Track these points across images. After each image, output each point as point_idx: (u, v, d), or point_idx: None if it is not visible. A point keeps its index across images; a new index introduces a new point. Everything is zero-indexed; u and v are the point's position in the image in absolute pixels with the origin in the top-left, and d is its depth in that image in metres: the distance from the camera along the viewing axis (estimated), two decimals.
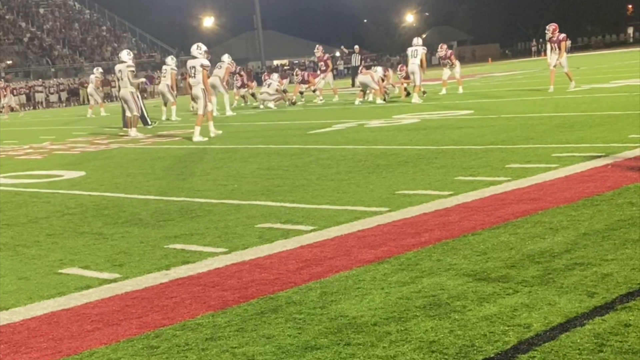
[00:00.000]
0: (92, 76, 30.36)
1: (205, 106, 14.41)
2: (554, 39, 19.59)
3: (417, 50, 20.90)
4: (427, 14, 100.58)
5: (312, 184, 7.95)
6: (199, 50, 14.69)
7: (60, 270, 5.08)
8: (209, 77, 15.76)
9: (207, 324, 3.75)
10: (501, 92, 20.77)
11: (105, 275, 4.85)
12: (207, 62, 14.66)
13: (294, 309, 3.86)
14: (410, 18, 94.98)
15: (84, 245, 5.82)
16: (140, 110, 17.39)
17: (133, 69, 16.93)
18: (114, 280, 4.70)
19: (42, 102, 52.93)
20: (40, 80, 55.53)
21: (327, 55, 26.87)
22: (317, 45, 27.66)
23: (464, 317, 3.50)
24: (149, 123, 20.10)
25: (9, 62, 59.54)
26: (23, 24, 66.81)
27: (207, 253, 5.21)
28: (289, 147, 11.81)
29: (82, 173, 10.73)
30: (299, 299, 4.01)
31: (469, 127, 12.39)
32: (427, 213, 5.91)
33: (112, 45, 67.66)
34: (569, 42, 21.27)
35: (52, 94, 54.37)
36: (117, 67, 17.06)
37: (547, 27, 20.01)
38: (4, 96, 38.72)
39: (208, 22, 79.58)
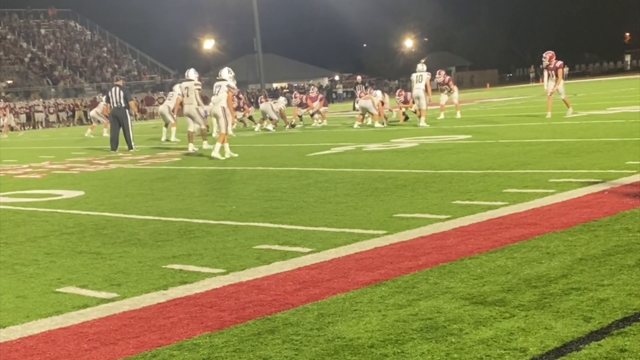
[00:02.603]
0: (100, 104, 30.47)
1: (227, 125, 14.94)
2: (551, 66, 19.60)
3: (422, 76, 20.95)
4: (426, 39, 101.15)
5: (310, 206, 7.97)
6: (230, 74, 15.44)
7: (58, 289, 5.09)
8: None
9: (204, 344, 3.76)
10: (499, 117, 20.86)
11: (103, 294, 4.86)
12: (233, 84, 15.36)
13: (291, 330, 3.87)
14: (409, 43, 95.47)
15: (82, 265, 5.83)
16: (204, 123, 17.72)
17: (200, 86, 17.58)
18: (112, 300, 4.71)
19: (42, 122, 53.04)
20: (41, 100, 55.69)
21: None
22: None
23: (461, 341, 3.52)
24: (132, 147, 19.98)
25: (9, 81, 59.70)
26: (24, 44, 67.11)
27: (205, 273, 5.22)
28: (287, 170, 11.85)
29: (81, 193, 10.75)
30: (296, 320, 4.02)
31: (467, 152, 12.44)
32: (425, 236, 5.93)
33: (113, 66, 67.90)
34: (566, 69, 21.28)
35: (51, 113, 54.51)
36: (184, 84, 17.70)
37: (544, 54, 20.07)
38: (4, 115, 38.82)
39: (208, 44, 79.93)
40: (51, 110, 54.64)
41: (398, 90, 24.27)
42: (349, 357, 3.43)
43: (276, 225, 6.93)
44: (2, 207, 9.77)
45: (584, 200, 6.97)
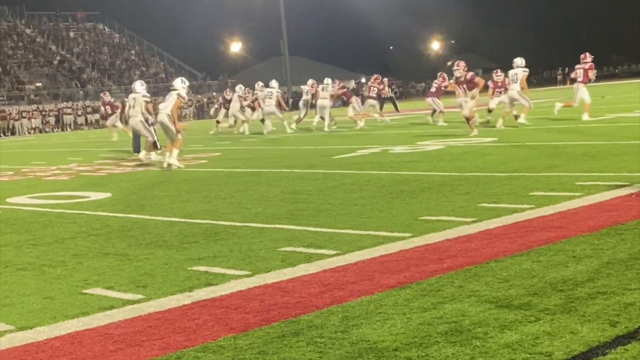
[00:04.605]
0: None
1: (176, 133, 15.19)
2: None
3: (517, 74, 19.43)
4: (452, 41, 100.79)
5: (336, 208, 7.97)
6: (183, 84, 15.52)
7: (84, 291, 5.13)
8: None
9: (228, 346, 3.77)
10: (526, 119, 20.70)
11: (129, 296, 4.89)
12: (184, 94, 15.47)
13: (316, 332, 3.87)
14: (435, 45, 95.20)
15: (108, 266, 5.88)
16: (153, 136, 17.22)
17: (148, 99, 17.13)
18: (138, 301, 4.74)
19: (70, 124, 53.56)
20: (70, 102, 56.22)
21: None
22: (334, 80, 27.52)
23: (486, 344, 3.50)
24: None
25: (38, 84, 60.29)
26: (53, 47, 67.73)
27: (230, 275, 5.24)
28: (313, 172, 11.86)
29: (108, 194, 10.83)
30: (320, 322, 4.02)
31: (493, 155, 12.38)
32: (450, 239, 5.91)
33: (140, 69, 68.38)
34: (594, 72, 20.56)
35: (79, 116, 55.02)
36: (132, 95, 17.11)
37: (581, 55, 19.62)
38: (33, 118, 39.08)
39: (235, 47, 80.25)
40: (79, 113, 55.16)
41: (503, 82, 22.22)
42: None
43: (301, 228, 6.93)
44: (30, 208, 9.87)
45: (611, 204, 6.91)
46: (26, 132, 51.06)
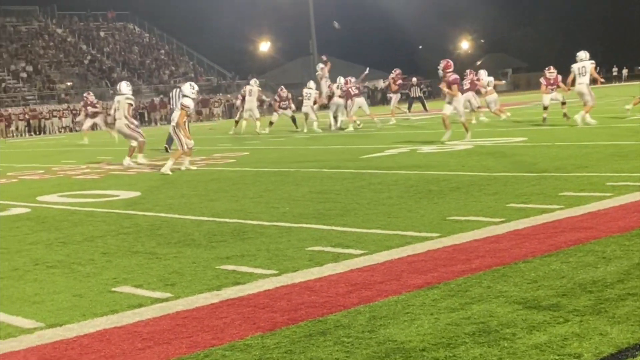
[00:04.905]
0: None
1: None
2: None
3: (585, 67, 18.60)
4: (482, 40, 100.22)
5: (363, 208, 7.96)
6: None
7: (113, 289, 5.17)
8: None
9: (256, 345, 3.78)
10: (555, 119, 20.55)
11: (158, 294, 4.92)
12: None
13: (343, 332, 3.87)
14: (465, 45, 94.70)
15: (137, 265, 5.92)
16: (138, 139, 16.66)
17: (131, 101, 16.76)
18: (166, 300, 4.77)
19: (99, 125, 53.94)
20: (100, 101, 56.65)
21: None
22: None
23: (514, 345, 3.48)
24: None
25: (69, 83, 60.87)
26: (84, 47, 68.35)
27: (258, 274, 5.25)
28: (341, 171, 11.85)
29: (138, 193, 10.91)
30: (347, 322, 4.02)
31: (523, 154, 12.29)
32: (478, 239, 5.88)
33: (170, 68, 68.79)
34: (625, 70, 20.06)
35: (109, 115, 55.43)
36: (117, 97, 16.81)
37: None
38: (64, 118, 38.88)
39: (264, 46, 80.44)
40: (109, 112, 55.60)
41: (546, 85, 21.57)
42: None
43: (329, 227, 6.94)
44: (60, 207, 9.97)
45: None
46: (57, 131, 51.55)
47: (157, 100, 57.65)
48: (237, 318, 4.25)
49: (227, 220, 7.83)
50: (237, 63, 78.79)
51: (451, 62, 16.50)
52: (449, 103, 16.48)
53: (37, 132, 50.79)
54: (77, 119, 29.37)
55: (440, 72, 16.52)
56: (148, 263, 5.95)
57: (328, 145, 18.64)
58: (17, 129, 52.17)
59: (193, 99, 14.63)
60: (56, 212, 9.51)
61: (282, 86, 28.32)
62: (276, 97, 28.26)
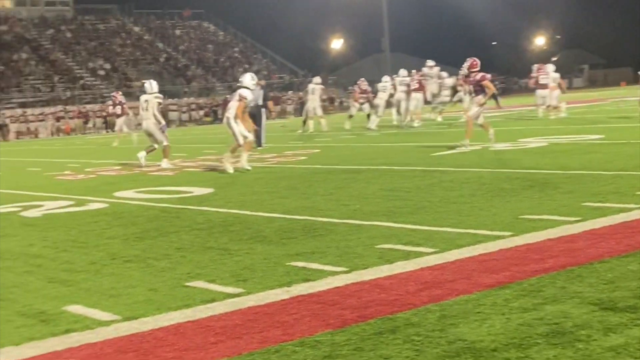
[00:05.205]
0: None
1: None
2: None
3: None
4: (558, 36, 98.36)
5: (434, 206, 7.91)
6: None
7: (187, 283, 5.26)
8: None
9: (325, 341, 3.80)
10: (634, 117, 20.04)
11: (230, 289, 4.98)
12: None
13: (413, 330, 3.85)
14: (540, 41, 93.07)
15: (210, 260, 6.00)
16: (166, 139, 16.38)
17: (160, 99, 16.53)
18: (238, 295, 4.82)
19: (175, 121, 54.91)
20: (175, 99, 57.67)
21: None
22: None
23: (589, 347, 3.41)
24: (262, 145, 20.59)
25: (144, 81, 62.02)
26: (160, 45, 69.56)
27: (328, 272, 5.27)
28: (411, 169, 11.79)
29: (211, 190, 11.05)
30: (417, 320, 4.00)
31: (599, 152, 12.03)
32: (552, 239, 5.78)
33: (243, 66, 69.46)
34: None
35: (184, 112, 56.33)
36: (144, 97, 16.40)
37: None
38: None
39: (336, 44, 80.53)
40: (184, 110, 56.46)
41: None
42: None
43: (399, 225, 6.91)
44: (136, 202, 10.17)
45: None
46: (132, 127, 52.54)
47: (229, 97, 58.29)
48: (306, 314, 4.27)
49: (298, 217, 7.87)
50: (310, 61, 79.02)
51: (477, 61, 15.28)
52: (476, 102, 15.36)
53: (113, 129, 51.86)
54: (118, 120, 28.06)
55: (466, 71, 15.48)
56: (221, 259, 6.03)
57: (399, 142, 18.55)
58: (94, 125, 53.45)
59: (252, 90, 14.48)
60: (132, 207, 9.71)
61: (363, 78, 28.19)
62: (356, 88, 28.21)
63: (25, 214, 9.62)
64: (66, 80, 58.97)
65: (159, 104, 16.13)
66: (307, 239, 6.60)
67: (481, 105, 14.92)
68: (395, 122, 26.56)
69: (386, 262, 5.44)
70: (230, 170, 13.32)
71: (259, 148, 19.91)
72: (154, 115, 15.90)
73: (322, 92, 27.82)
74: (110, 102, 31.65)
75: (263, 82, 21.49)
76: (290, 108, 59.93)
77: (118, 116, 28.45)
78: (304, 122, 28.36)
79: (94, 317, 4.56)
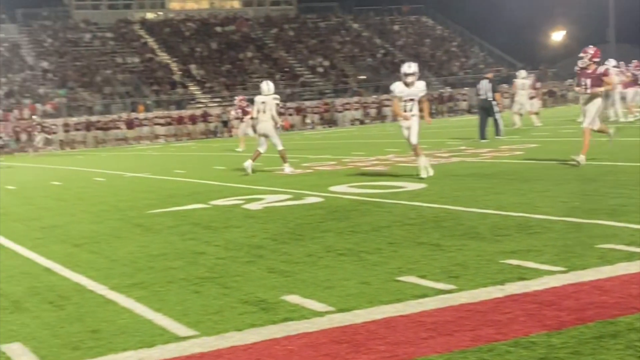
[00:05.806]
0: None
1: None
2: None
3: None
4: None
5: None
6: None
7: (398, 278, 5.29)
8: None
9: (541, 343, 3.68)
10: None
11: (441, 285, 4.96)
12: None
13: (635, 336, 3.64)
14: None
15: (421, 255, 6.00)
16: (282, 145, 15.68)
17: (279, 101, 16.03)
18: (449, 292, 4.79)
19: (388, 116, 55.47)
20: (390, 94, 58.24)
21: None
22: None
23: None
24: (500, 135, 21.07)
25: (362, 77, 63.06)
26: (378, 41, 70.42)
27: (544, 271, 5.10)
28: (636, 165, 11.14)
29: (423, 185, 11.04)
30: None
31: None
32: None
33: (460, 60, 68.82)
34: None
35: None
36: (260, 98, 15.73)
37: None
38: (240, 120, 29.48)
39: (557, 36, 77.77)
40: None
41: None
42: None
43: (622, 224, 6.56)
44: (350, 197, 10.37)
45: None
46: (347, 124, 53.70)
47: (446, 92, 58.12)
48: (521, 314, 4.16)
49: (512, 213, 7.69)
50: (528, 53, 76.79)
51: (599, 51, 12.60)
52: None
53: (329, 125, 53.26)
54: (243, 121, 27.11)
55: (587, 61, 12.41)
56: (432, 254, 6.01)
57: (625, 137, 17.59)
58: (312, 121, 55.13)
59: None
60: (346, 201, 9.91)
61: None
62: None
63: (248, 206, 10.10)
64: (287, 78, 61.19)
65: (278, 104, 15.90)
66: (522, 236, 6.43)
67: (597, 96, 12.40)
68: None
69: (607, 262, 5.18)
70: (424, 174, 12.18)
71: (497, 138, 20.64)
72: (272, 117, 15.62)
73: (529, 87, 26.94)
74: (234, 108, 30.47)
75: (491, 75, 21.79)
76: (506, 102, 58.64)
77: (240, 120, 28.02)
78: (520, 115, 27.72)
79: (310, 307, 4.70)
